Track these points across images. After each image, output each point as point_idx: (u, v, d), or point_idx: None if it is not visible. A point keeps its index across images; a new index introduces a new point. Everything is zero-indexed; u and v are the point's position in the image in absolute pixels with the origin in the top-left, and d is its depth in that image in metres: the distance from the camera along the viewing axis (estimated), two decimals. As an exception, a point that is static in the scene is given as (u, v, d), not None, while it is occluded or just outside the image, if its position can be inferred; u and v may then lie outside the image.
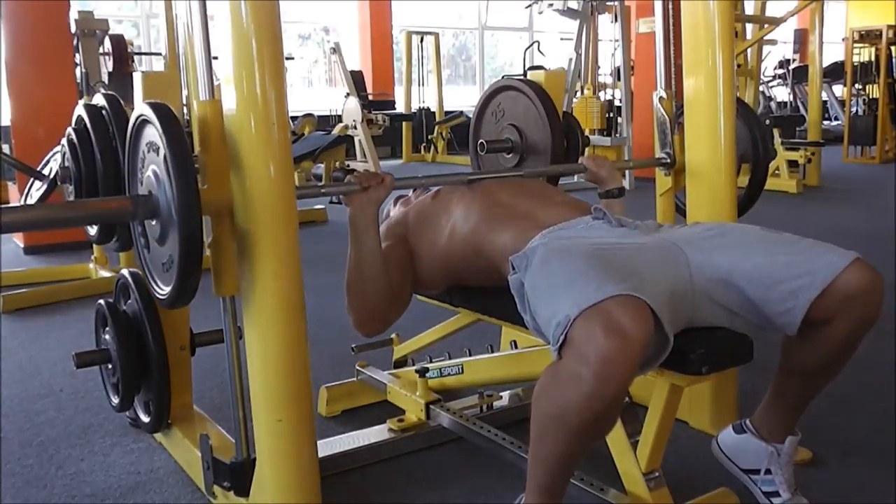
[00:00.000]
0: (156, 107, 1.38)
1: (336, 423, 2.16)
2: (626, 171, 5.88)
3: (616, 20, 6.82)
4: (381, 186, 1.65)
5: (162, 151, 1.35)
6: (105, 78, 4.80)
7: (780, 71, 10.21)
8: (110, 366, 1.98)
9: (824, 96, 9.47)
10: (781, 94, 10.69)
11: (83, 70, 4.50)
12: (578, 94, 6.98)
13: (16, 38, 4.54)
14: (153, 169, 1.42)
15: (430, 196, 1.87)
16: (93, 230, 1.97)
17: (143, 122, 1.45)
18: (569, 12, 6.78)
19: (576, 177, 7.03)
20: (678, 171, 2.13)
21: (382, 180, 1.65)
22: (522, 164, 2.18)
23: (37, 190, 2.75)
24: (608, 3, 6.84)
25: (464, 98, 10.91)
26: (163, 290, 1.47)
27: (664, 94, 2.16)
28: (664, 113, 2.14)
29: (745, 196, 2.19)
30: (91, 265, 3.97)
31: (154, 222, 1.44)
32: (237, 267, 1.45)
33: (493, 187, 1.77)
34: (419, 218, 1.83)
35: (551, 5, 6.93)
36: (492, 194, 1.74)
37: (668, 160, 2.13)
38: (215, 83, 1.46)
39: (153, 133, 1.40)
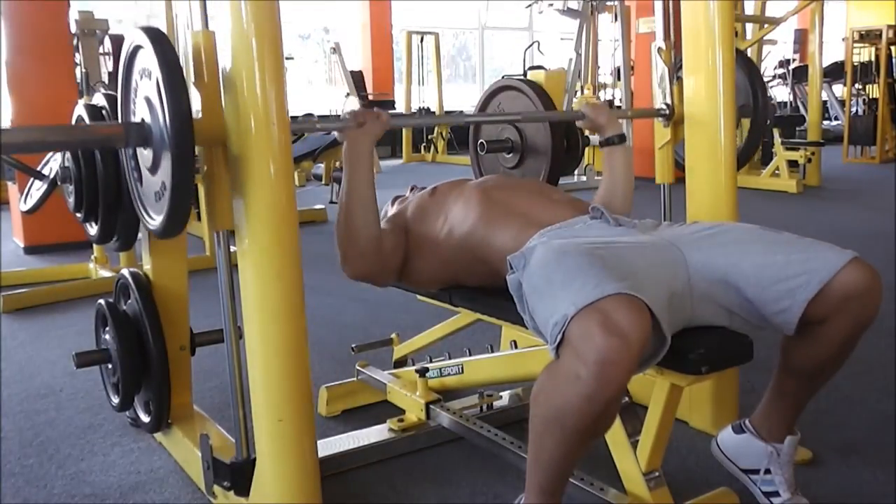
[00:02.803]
0: (149, 31, 1.35)
1: (336, 423, 2.16)
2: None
3: (616, 20, 6.82)
4: (377, 122, 1.65)
5: (155, 75, 1.32)
6: (105, 78, 4.79)
7: (780, 71, 10.21)
8: (110, 366, 1.98)
9: (824, 96, 9.47)
10: (781, 94, 10.69)
11: (83, 70, 4.49)
12: (578, 93, 6.98)
13: (16, 38, 4.54)
14: (146, 95, 1.40)
15: (427, 192, 1.87)
16: (93, 230, 1.96)
17: (136, 49, 1.42)
18: (569, 12, 6.78)
19: (576, 177, 7.05)
20: (677, 123, 2.10)
21: (379, 116, 1.65)
22: (522, 164, 2.18)
23: (37, 190, 2.75)
24: (608, 3, 6.85)
25: (464, 98, 10.91)
26: (155, 220, 1.46)
27: (663, 45, 2.13)
28: (663, 64, 2.12)
29: (743, 150, 2.16)
30: (91, 265, 3.98)
31: (146, 150, 1.42)
32: (238, 266, 1.45)
33: (490, 185, 1.77)
34: (417, 212, 1.83)
35: (551, 5, 6.94)
36: (489, 193, 1.73)
37: (667, 111, 2.10)
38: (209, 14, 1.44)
39: (146, 58, 1.37)
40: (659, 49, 2.13)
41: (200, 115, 1.40)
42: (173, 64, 1.31)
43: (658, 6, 2.28)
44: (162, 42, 1.33)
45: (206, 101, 1.41)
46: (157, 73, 1.31)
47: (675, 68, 2.15)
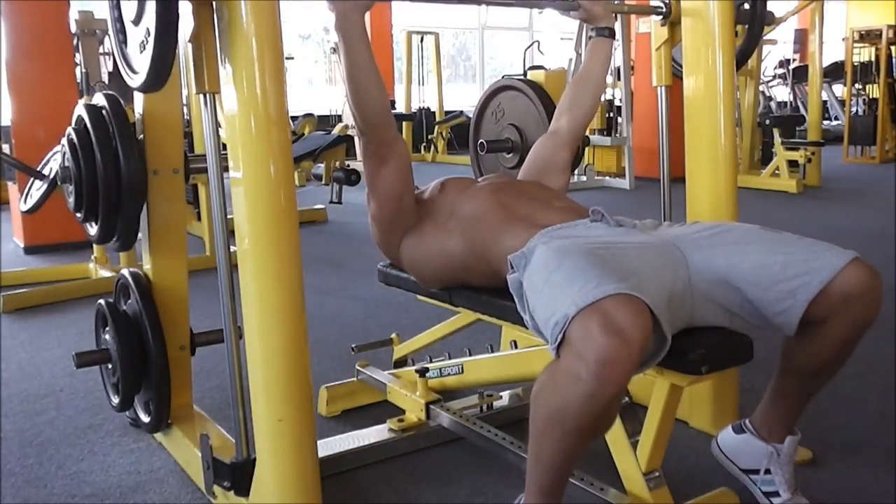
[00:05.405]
0: None
1: (336, 423, 2.16)
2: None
3: (616, 20, 6.81)
4: None
5: None
6: (105, 78, 4.79)
7: (780, 71, 10.21)
8: (110, 366, 1.98)
9: (824, 96, 9.47)
10: (781, 94, 10.69)
11: (83, 70, 4.49)
12: (578, 93, 6.97)
13: (16, 38, 4.54)
14: None
15: (436, 187, 1.87)
16: (93, 230, 1.96)
17: None
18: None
19: (576, 177, 7.04)
20: (674, 23, 2.05)
21: None
22: (522, 164, 2.18)
23: (37, 190, 2.75)
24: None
25: (464, 98, 10.91)
26: (139, 73, 1.45)
27: None
28: None
29: (741, 49, 2.11)
30: (91, 265, 3.98)
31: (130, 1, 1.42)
32: (238, 266, 1.45)
33: (495, 189, 1.77)
34: (428, 203, 1.83)
35: (551, 5, 6.93)
36: (494, 196, 1.73)
37: (664, 8, 2.05)
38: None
39: None
40: None
41: None
42: None
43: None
44: None
45: None
46: None
47: None
